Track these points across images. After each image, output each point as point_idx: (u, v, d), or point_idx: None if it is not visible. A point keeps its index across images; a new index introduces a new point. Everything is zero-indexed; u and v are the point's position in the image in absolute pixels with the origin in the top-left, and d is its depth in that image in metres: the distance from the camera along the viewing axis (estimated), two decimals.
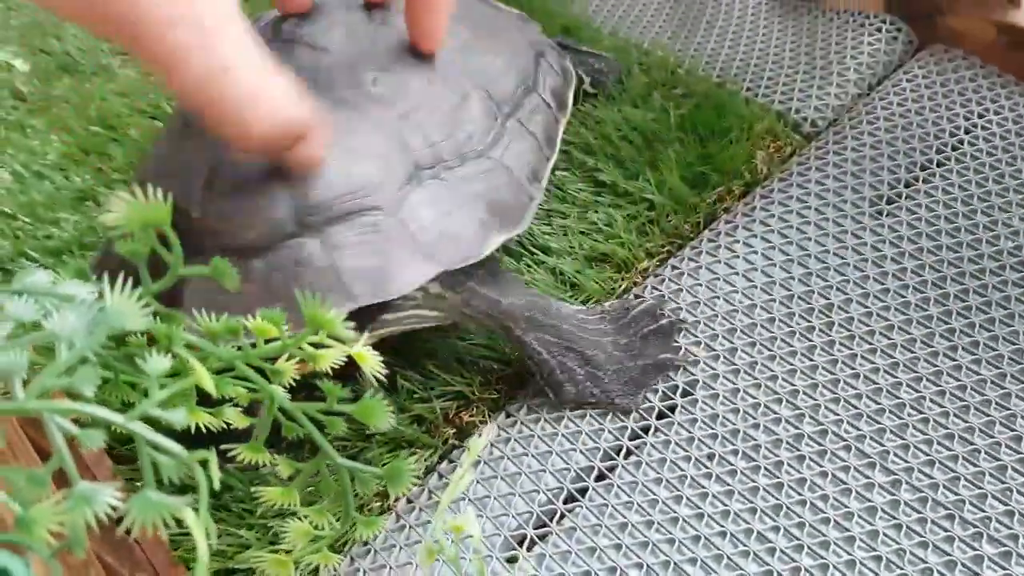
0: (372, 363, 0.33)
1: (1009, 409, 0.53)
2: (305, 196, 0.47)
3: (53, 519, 0.22)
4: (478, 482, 0.54)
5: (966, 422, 0.53)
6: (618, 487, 0.53)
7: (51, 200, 0.73)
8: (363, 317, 0.50)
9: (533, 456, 0.55)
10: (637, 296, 0.62)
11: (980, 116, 0.70)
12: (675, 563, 0.50)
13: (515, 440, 0.56)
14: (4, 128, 0.82)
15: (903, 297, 0.59)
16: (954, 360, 0.56)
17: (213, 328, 0.31)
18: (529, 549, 0.51)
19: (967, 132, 0.69)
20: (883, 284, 0.60)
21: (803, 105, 0.73)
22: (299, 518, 0.33)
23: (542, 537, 0.52)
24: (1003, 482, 0.50)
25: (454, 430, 0.57)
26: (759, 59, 0.79)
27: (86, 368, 0.25)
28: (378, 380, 0.33)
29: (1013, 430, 0.52)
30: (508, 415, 0.57)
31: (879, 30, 0.78)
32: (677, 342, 0.58)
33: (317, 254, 0.47)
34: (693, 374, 0.57)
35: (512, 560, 0.51)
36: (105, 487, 0.23)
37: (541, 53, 0.65)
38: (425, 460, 0.56)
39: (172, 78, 0.36)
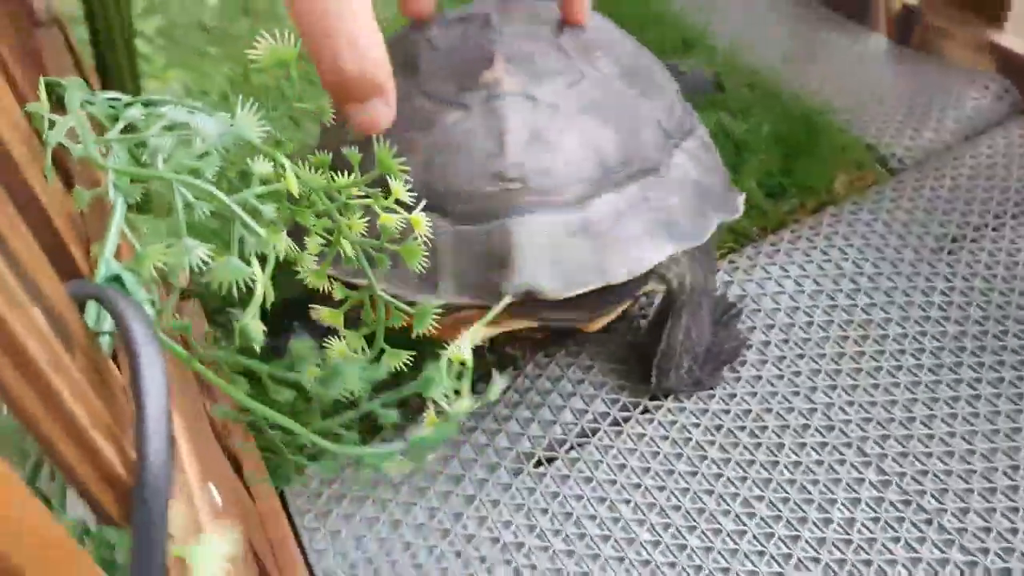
0: (423, 228, 0.39)
1: (1015, 442, 0.56)
2: (604, 155, 0.51)
3: (160, 256, 0.30)
4: (503, 403, 0.61)
5: (970, 444, 0.56)
6: (628, 435, 0.58)
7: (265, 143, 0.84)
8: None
9: (558, 393, 0.61)
10: None
11: None
12: (661, 507, 0.54)
13: (545, 377, 0.62)
14: (185, 52, 0.94)
15: (942, 327, 0.62)
16: (975, 390, 0.58)
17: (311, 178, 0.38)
18: (535, 467, 0.57)
19: None
20: (926, 313, 0.63)
21: (894, 142, 0.77)
22: (340, 338, 0.40)
23: (549, 460, 0.58)
24: (988, 502, 0.53)
25: (495, 357, 0.64)
26: (864, 96, 0.82)
27: (211, 158, 0.33)
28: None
29: (1013, 460, 0.55)
30: (547, 355, 0.63)
31: (987, 88, 0.80)
32: (741, 327, 0.63)
33: (622, 210, 0.50)
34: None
35: (517, 472, 0.57)
36: (202, 247, 0.30)
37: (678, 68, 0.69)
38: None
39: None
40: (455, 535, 0.55)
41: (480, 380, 0.63)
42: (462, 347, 0.34)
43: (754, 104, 0.79)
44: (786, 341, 0.62)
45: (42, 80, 0.36)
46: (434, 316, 0.39)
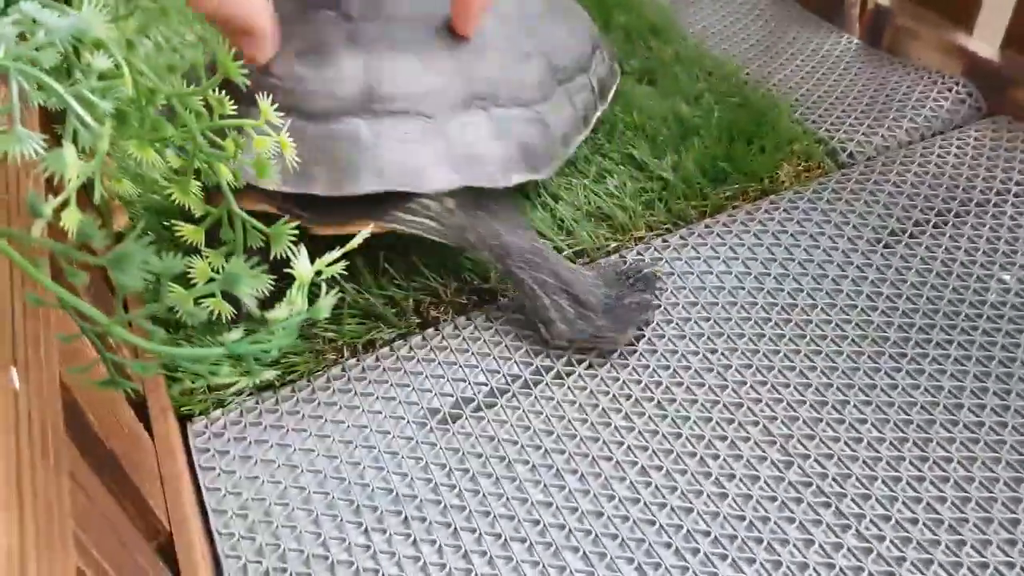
0: (291, 152, 0.40)
1: (927, 433, 0.54)
2: (377, 84, 0.56)
3: None
4: (416, 360, 0.60)
5: (880, 432, 0.55)
6: (536, 397, 0.58)
7: (172, 67, 0.85)
8: (378, 208, 0.58)
9: (473, 354, 0.60)
10: (622, 258, 0.66)
11: (1018, 184, 0.71)
12: (558, 469, 0.54)
13: (463, 337, 0.61)
14: (162, 10, 0.95)
15: (868, 317, 0.61)
16: (893, 380, 0.57)
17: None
18: (440, 424, 0.57)
19: (998, 194, 0.70)
20: (853, 302, 0.62)
21: (847, 138, 0.76)
22: (202, 257, 0.40)
23: (454, 418, 0.57)
24: (891, 491, 0.52)
25: (419, 320, 0.63)
26: (824, 92, 0.82)
27: (51, 50, 0.33)
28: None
29: (923, 451, 0.54)
30: (468, 319, 0.63)
31: (949, 90, 0.79)
32: (657, 290, 0.63)
33: (366, 136, 0.55)
34: (647, 336, 0.61)
35: (421, 426, 0.57)
36: (36, 136, 0.31)
37: (597, 46, 0.72)
38: (386, 334, 0.62)
39: None
40: (351, 484, 0.54)
41: (401, 338, 0.63)
42: (301, 262, 0.34)
43: (709, 91, 0.78)
44: (707, 319, 0.62)
45: None
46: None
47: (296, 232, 0.39)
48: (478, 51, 0.60)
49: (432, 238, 0.61)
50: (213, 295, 0.36)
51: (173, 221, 0.41)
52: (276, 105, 0.49)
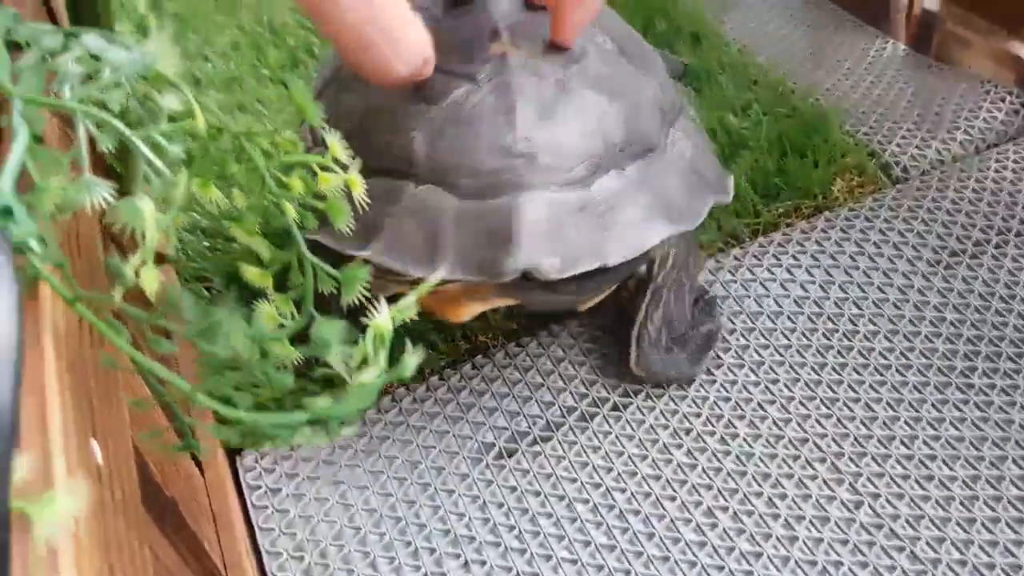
0: (359, 190, 0.38)
1: (999, 470, 0.53)
2: (608, 134, 0.49)
3: (59, 193, 0.28)
4: (468, 390, 0.58)
5: (951, 470, 0.53)
6: (593, 431, 0.56)
7: (208, 77, 0.83)
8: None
9: (526, 384, 0.59)
10: None
11: None
12: (621, 510, 0.52)
13: (515, 366, 0.59)
14: (194, 16, 0.93)
15: (932, 344, 0.59)
16: (961, 412, 0.56)
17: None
18: (496, 459, 0.55)
19: None
20: (916, 328, 0.60)
21: (900, 151, 0.74)
22: (268, 301, 0.38)
23: (510, 453, 0.55)
24: (966, 533, 0.50)
25: (468, 346, 0.61)
26: (874, 101, 0.80)
27: (118, 91, 0.31)
28: None
29: (996, 490, 0.52)
30: (519, 345, 0.61)
31: (1002, 100, 0.77)
32: (720, 315, 0.61)
33: (623, 191, 0.49)
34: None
35: (476, 463, 0.55)
36: (105, 184, 0.29)
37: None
38: (438, 362, 0.60)
39: (328, 27, 0.41)
40: (407, 524, 0.53)
41: (452, 366, 0.61)
42: (380, 316, 0.32)
43: (757, 102, 0.76)
44: (766, 346, 0.60)
45: None
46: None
47: (368, 281, 0.37)
48: (643, 72, 0.54)
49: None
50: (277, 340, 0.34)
51: (241, 264, 0.39)
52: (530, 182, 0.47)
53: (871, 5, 0.89)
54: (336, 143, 0.37)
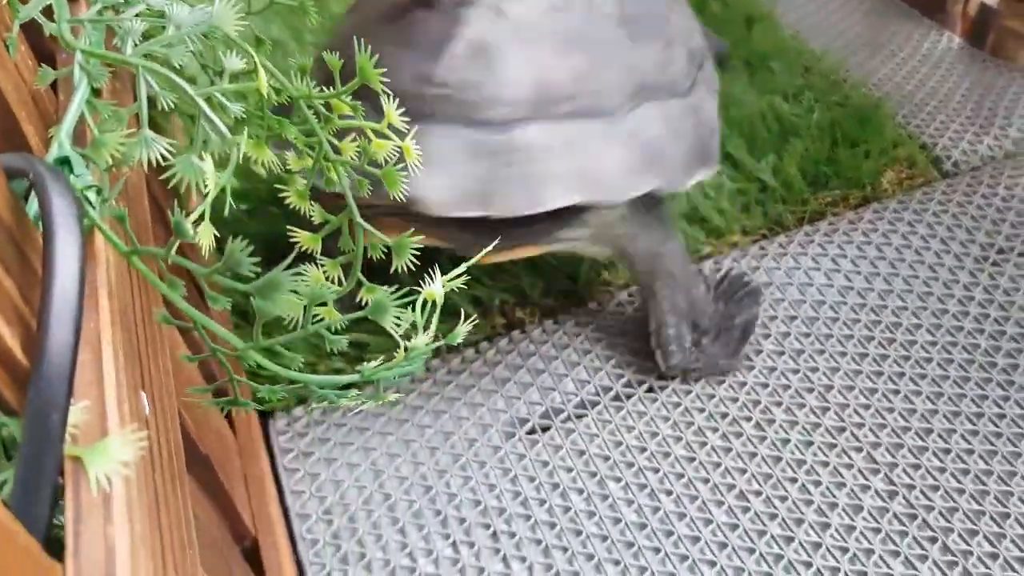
0: (414, 157, 0.37)
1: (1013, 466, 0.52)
2: (548, 85, 0.48)
3: (117, 146, 0.28)
4: (504, 365, 0.58)
5: (987, 464, 0.52)
6: (628, 411, 0.56)
7: (244, 38, 0.83)
8: (546, 226, 0.51)
9: (563, 361, 0.59)
10: (717, 264, 0.64)
11: None
12: (653, 489, 0.52)
13: (552, 343, 0.59)
14: None
15: (975, 340, 0.58)
16: (1001, 409, 0.55)
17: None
18: (529, 433, 0.55)
19: None
20: (959, 323, 0.59)
21: (951, 144, 0.73)
22: (318, 265, 0.38)
23: (544, 428, 0.55)
24: (999, 527, 0.50)
25: (504, 321, 0.61)
26: (927, 93, 0.78)
27: (179, 47, 0.31)
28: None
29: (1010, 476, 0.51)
30: (556, 323, 0.61)
31: None
32: (759, 305, 0.60)
33: (547, 144, 0.48)
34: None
35: (509, 436, 0.55)
36: (164, 141, 0.29)
37: (705, 33, 0.67)
38: (474, 335, 0.60)
39: None
40: (437, 492, 0.53)
41: (488, 340, 0.61)
42: (434, 285, 0.32)
43: (808, 88, 0.75)
44: (807, 335, 0.59)
45: None
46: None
47: (419, 248, 0.37)
48: (632, 38, 0.53)
49: (586, 252, 0.56)
50: (325, 304, 0.34)
51: (289, 228, 0.39)
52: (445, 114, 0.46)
53: None
54: (392, 110, 0.36)
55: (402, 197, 0.38)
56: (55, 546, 0.20)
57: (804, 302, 0.61)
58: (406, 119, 0.46)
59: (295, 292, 0.28)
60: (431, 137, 0.46)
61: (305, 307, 0.29)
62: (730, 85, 0.75)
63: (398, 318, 0.31)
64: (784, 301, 0.61)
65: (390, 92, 0.45)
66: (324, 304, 0.33)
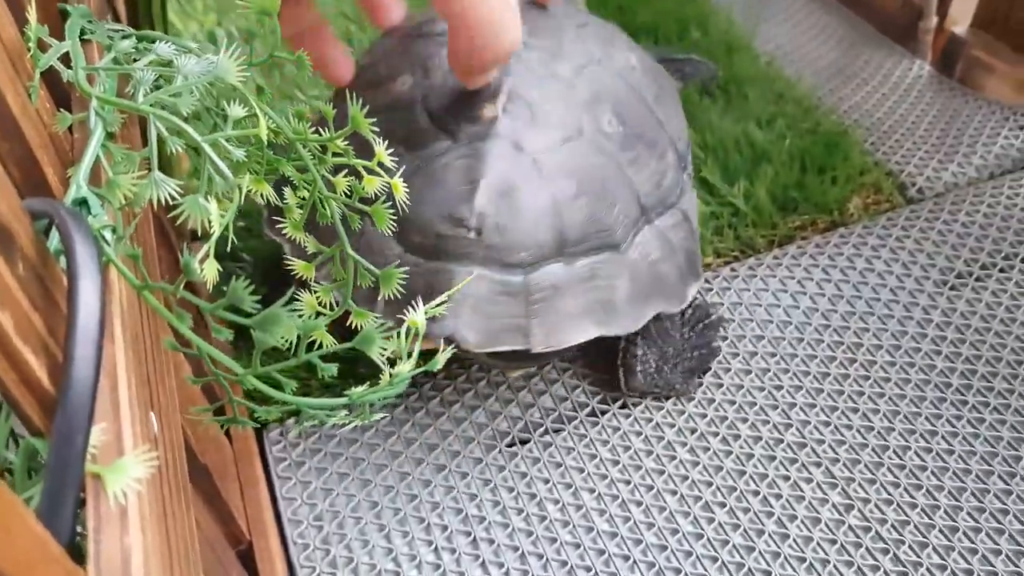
0: (401, 194, 0.41)
1: (984, 484, 0.55)
2: (565, 228, 0.51)
3: (129, 186, 0.31)
4: (486, 381, 0.62)
5: (938, 481, 0.55)
6: (603, 426, 0.59)
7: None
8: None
9: (542, 379, 0.62)
10: None
11: None
12: (623, 500, 0.55)
13: None
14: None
15: (931, 361, 0.62)
16: (954, 428, 0.58)
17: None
18: (508, 446, 0.58)
19: None
20: (918, 345, 0.63)
21: (916, 171, 0.76)
22: (311, 291, 0.41)
23: (523, 441, 0.59)
24: (948, 541, 0.53)
25: None
26: (896, 121, 0.82)
27: (187, 96, 0.35)
28: None
29: (980, 502, 0.55)
30: None
31: (1021, 128, 0.79)
32: (721, 334, 0.63)
33: (568, 283, 0.52)
34: (712, 369, 0.62)
35: (490, 449, 0.58)
36: (172, 182, 0.32)
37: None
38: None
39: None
40: (422, 501, 0.56)
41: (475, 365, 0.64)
42: (417, 314, 0.35)
43: (781, 115, 0.78)
44: (773, 355, 0.63)
45: (59, 6, 0.37)
46: None
47: (406, 276, 0.40)
48: (633, 162, 0.55)
49: None
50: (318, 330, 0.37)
51: (285, 257, 0.43)
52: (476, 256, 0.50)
53: (900, 24, 0.90)
54: (381, 150, 0.40)
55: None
56: (76, 553, 0.23)
57: (771, 322, 0.64)
58: (436, 259, 0.50)
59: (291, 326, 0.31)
60: (461, 276, 0.50)
61: (299, 337, 0.32)
62: (707, 112, 0.79)
63: (384, 348, 0.34)
64: (752, 322, 0.65)
65: (422, 227, 0.48)
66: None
